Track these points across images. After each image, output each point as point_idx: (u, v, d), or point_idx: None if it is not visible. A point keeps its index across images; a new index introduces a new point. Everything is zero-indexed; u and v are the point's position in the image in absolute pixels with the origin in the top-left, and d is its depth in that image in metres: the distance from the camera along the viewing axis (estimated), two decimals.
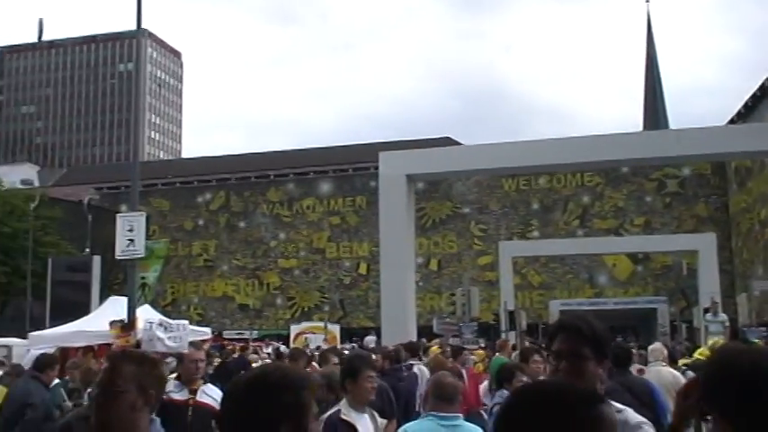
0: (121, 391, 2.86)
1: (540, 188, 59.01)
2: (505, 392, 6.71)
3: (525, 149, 21.29)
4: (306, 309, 60.14)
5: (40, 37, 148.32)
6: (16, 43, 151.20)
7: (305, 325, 35.73)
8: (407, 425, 4.85)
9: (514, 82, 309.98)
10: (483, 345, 22.74)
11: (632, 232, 54.54)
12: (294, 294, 61.77)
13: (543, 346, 9.01)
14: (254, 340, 37.38)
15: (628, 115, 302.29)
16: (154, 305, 21.18)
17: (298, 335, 31.28)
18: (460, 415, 5.04)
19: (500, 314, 31.76)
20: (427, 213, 58.30)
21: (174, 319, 16.75)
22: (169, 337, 14.80)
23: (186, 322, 16.01)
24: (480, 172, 33.79)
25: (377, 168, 21.80)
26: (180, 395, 6.39)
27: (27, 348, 18.90)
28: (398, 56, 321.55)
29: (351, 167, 61.96)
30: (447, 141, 54.44)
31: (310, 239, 62.35)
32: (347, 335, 39.90)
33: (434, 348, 14.66)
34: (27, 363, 16.79)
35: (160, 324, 15.32)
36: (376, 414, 5.35)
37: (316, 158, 65.21)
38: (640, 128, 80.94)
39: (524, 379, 6.85)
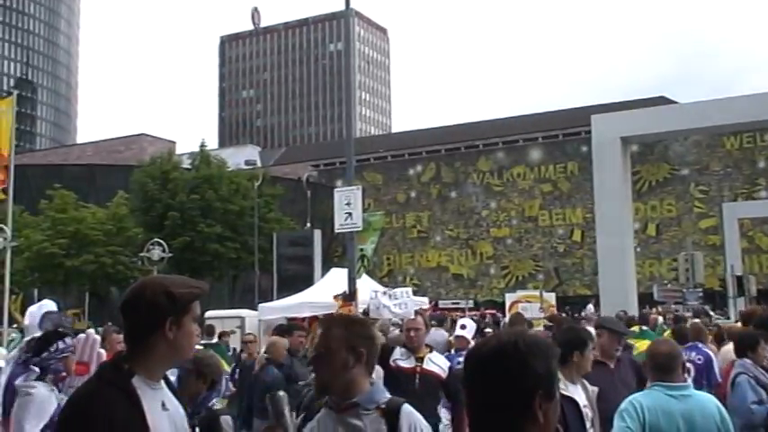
0: (333, 352, 2.98)
1: (767, 145, 54.78)
2: (747, 362, 6.18)
3: (747, 105, 19.84)
4: (520, 277, 59.71)
5: (255, 24, 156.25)
6: (234, 32, 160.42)
7: (520, 293, 35.28)
8: (633, 396, 4.57)
9: (729, 38, 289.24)
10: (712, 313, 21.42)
11: None
12: (507, 263, 61.48)
13: None
14: (470, 309, 37.61)
15: None
16: (371, 276, 21.77)
17: (513, 303, 30.96)
18: (689, 384, 4.70)
19: (726, 280, 29.81)
20: (643, 177, 55.84)
21: (392, 288, 17.14)
22: (395, 305, 15.19)
23: (410, 289, 16.35)
24: (699, 131, 31.81)
25: (588, 133, 21.12)
26: (407, 363, 6.46)
27: (258, 318, 20.10)
28: (606, 16, 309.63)
29: (561, 133, 60.51)
30: (662, 101, 51.72)
31: (522, 208, 61.69)
32: (563, 303, 39.15)
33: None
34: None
35: (385, 293, 15.76)
36: (585, 382, 5.10)
37: (525, 126, 64.28)
38: None
39: None
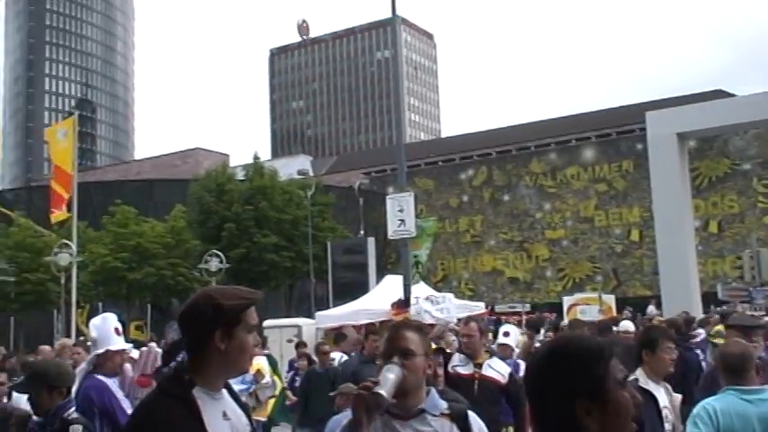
0: (414, 354, 2.98)
1: None
2: None
3: None
4: (577, 279, 58.98)
5: (303, 36, 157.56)
6: (283, 44, 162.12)
7: (578, 296, 34.89)
8: (706, 401, 4.43)
9: None
10: None
11: None
12: (564, 265, 60.77)
13: None
14: (527, 313, 37.28)
15: None
16: (426, 282, 21.74)
17: (571, 306, 30.61)
18: (766, 387, 4.56)
19: None
20: (702, 173, 54.70)
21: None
22: (437, 309, 15.15)
23: (451, 295, 16.31)
24: (760, 123, 31.04)
25: (643, 130, 20.80)
26: (465, 369, 6.42)
27: (314, 327, 20.22)
28: (658, 9, 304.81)
29: (614, 131, 59.66)
30: (719, 94, 50.63)
31: (577, 208, 60.95)
32: (623, 304, 38.58)
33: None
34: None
35: (427, 298, 15.73)
36: (669, 387, 5.02)
37: (577, 125, 63.55)
38: None
39: None
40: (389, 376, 2.74)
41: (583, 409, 1.83)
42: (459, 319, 14.55)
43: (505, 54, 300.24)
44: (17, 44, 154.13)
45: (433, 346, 4.35)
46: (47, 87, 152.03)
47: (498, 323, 23.11)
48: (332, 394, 6.84)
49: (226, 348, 2.47)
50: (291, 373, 13.54)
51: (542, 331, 15.46)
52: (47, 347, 12.21)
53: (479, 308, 20.29)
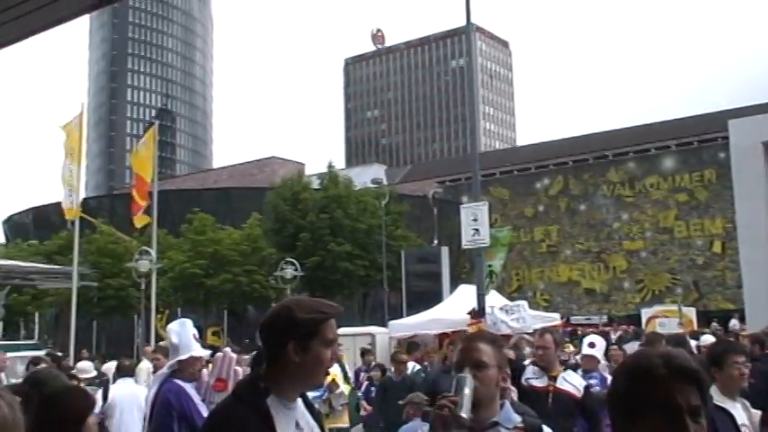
0: (487, 366, 2.94)
1: None
2: None
3: None
4: (656, 291, 57.67)
5: (378, 45, 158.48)
6: (358, 54, 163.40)
7: (657, 308, 34.06)
8: None
9: None
10: None
11: None
12: (642, 277, 59.52)
13: None
14: (603, 325, 36.61)
15: None
16: (500, 292, 21.54)
17: (650, 319, 29.90)
18: None
19: None
20: None
21: None
22: (512, 319, 14.96)
23: (525, 303, 16.09)
24: None
25: (725, 138, 20.20)
26: (539, 382, 6.31)
27: (388, 335, 20.24)
28: (742, 14, 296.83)
29: (696, 140, 58.26)
30: None
31: (656, 219, 59.66)
32: (704, 318, 37.55)
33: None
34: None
35: (501, 308, 15.55)
36: (747, 403, 4.82)
37: (656, 133, 62.26)
38: None
39: None
40: (466, 392, 2.70)
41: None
42: (533, 331, 14.40)
43: (582, 60, 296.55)
44: (101, 56, 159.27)
45: (512, 356, 4.23)
46: (129, 98, 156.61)
47: (574, 335, 22.76)
48: (401, 403, 6.82)
49: (300, 360, 2.48)
50: (367, 383, 13.56)
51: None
52: (149, 348, 12.75)
53: (554, 319, 19.97)
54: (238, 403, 2.48)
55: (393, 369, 11.88)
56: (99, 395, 8.81)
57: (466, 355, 3.04)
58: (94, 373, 11.09)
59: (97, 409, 8.60)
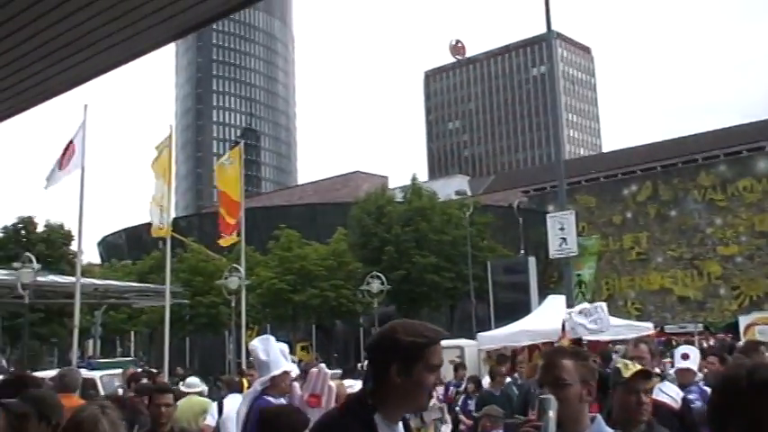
0: (568, 384, 2.88)
1: None
2: None
3: None
4: (754, 298, 55.67)
5: (456, 56, 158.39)
6: (437, 66, 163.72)
7: (756, 315, 32.93)
8: None
9: None
10: None
11: None
12: (739, 283, 57.55)
13: None
14: (699, 333, 35.56)
15: None
16: (592, 302, 21.15)
17: (748, 326, 28.91)
18: None
19: None
20: None
21: (610, 315, 16.50)
22: (590, 321, 14.63)
23: (604, 304, 15.72)
24: None
25: None
26: None
27: (477, 348, 20.07)
28: None
29: None
30: None
31: (751, 223, 57.67)
32: None
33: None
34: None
35: (580, 311, 15.24)
36: None
37: (748, 135, 60.35)
38: None
39: None
40: (550, 415, 2.65)
41: None
42: (625, 340, 14.05)
43: (668, 62, 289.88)
44: (186, 79, 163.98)
45: (636, 366, 4.02)
46: (214, 118, 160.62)
47: (668, 345, 22.15)
48: (476, 415, 6.73)
49: (402, 383, 2.49)
50: (463, 396, 13.50)
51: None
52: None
53: (648, 328, 19.42)
54: (348, 416, 2.52)
55: (490, 382, 11.77)
56: (214, 408, 9.06)
57: (546, 373, 2.99)
58: (202, 388, 11.38)
59: (213, 422, 8.84)
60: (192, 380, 11.20)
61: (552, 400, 2.69)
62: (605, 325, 13.93)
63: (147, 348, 49.89)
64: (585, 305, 16.12)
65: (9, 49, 3.99)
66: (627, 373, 3.83)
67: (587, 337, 13.24)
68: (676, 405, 6.07)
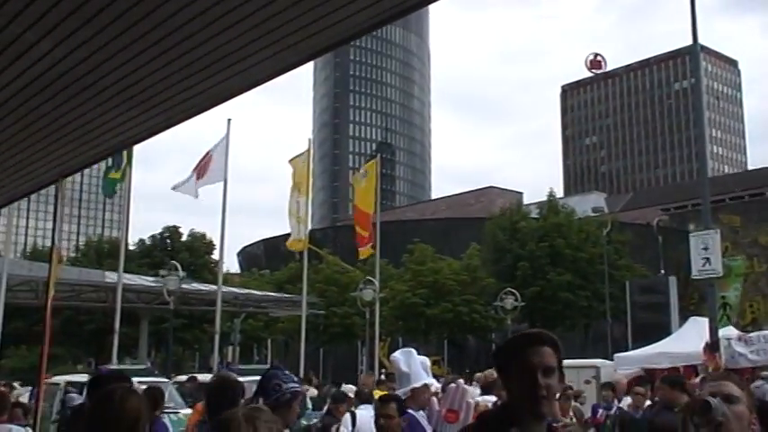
0: (738, 402, 2.70)
1: None
2: None
3: None
4: None
5: (594, 71, 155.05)
6: (575, 80, 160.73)
7: None
8: None
9: None
10: None
11: None
12: None
13: None
14: None
15: None
16: (736, 326, 20.23)
17: None
18: None
19: None
20: None
21: None
22: (751, 351, 13.97)
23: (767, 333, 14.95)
24: None
25: None
26: None
27: (614, 368, 19.53)
28: None
29: None
30: None
31: None
32: None
33: None
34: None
35: (739, 339, 14.56)
36: None
37: None
38: None
39: None
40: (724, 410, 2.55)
41: None
42: None
43: None
44: (323, 94, 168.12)
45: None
46: (351, 133, 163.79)
47: None
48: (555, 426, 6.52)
49: (516, 387, 2.48)
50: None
51: None
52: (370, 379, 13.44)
53: None
54: (482, 428, 2.53)
55: (630, 403, 11.41)
56: (348, 419, 9.21)
57: (715, 389, 2.88)
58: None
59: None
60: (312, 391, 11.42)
61: (724, 405, 2.59)
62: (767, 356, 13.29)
63: (282, 356, 51.25)
64: (749, 334, 15.41)
65: (160, 67, 4.24)
66: None
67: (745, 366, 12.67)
68: None
